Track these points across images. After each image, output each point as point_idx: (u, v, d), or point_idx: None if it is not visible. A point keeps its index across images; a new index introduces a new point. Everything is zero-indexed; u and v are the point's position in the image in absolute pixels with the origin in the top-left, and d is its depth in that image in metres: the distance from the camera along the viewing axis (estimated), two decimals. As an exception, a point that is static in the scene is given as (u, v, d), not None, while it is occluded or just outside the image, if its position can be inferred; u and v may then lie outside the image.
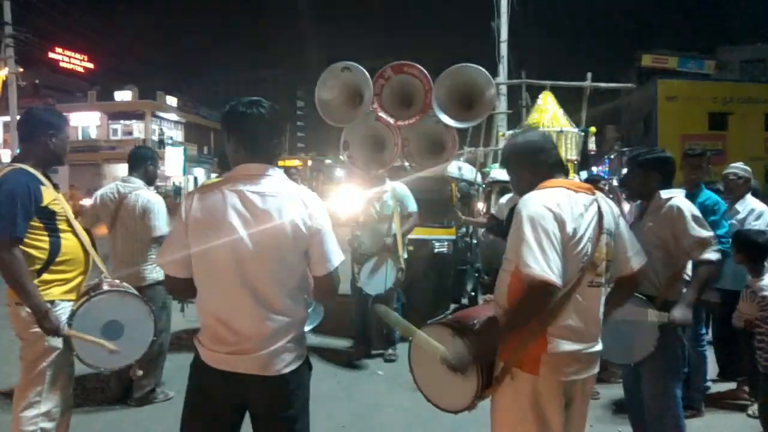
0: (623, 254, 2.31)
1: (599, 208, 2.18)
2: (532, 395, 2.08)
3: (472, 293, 7.22)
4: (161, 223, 4.01)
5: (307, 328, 2.67)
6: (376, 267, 5.37)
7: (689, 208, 3.12)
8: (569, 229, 2.05)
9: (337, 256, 2.12)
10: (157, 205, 4.05)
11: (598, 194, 2.23)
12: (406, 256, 5.54)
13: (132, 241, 4.05)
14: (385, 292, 5.22)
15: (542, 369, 2.06)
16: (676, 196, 3.20)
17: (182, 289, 2.13)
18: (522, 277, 2.00)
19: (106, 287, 3.08)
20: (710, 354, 4.53)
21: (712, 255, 3.07)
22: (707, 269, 3.09)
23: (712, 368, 4.53)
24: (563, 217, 2.05)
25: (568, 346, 2.07)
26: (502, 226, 4.20)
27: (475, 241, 7.51)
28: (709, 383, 4.38)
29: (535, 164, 2.28)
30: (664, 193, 3.21)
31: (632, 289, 2.47)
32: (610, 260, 2.21)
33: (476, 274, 7.31)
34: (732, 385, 4.53)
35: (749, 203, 4.55)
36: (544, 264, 1.95)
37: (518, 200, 2.21)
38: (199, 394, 2.12)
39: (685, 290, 3.15)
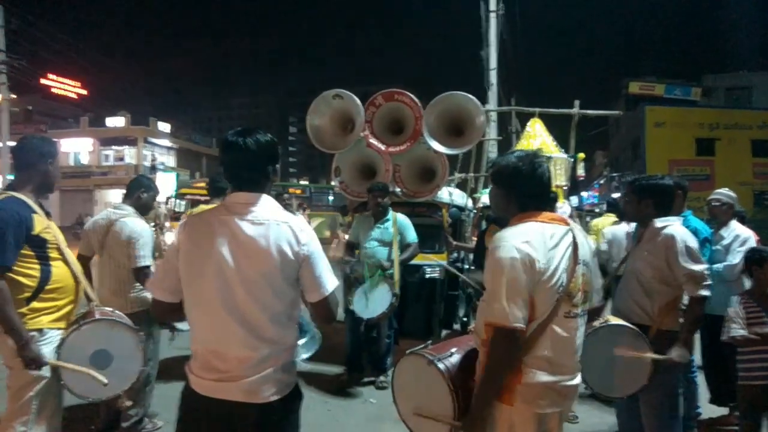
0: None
1: (574, 238, 2.17)
2: (508, 426, 2.07)
3: (464, 319, 7.19)
4: (145, 253, 3.89)
5: (305, 356, 2.66)
6: (369, 291, 5.34)
7: (683, 239, 3.09)
8: (540, 266, 2.04)
9: (330, 282, 2.13)
10: (143, 234, 3.94)
11: (573, 225, 2.22)
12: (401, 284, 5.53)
13: (117, 267, 3.98)
14: (378, 317, 5.19)
15: (517, 400, 2.05)
16: (671, 224, 3.18)
17: (168, 312, 2.18)
18: (487, 323, 2.06)
19: (97, 315, 3.06)
20: (701, 379, 4.54)
21: (704, 292, 3.03)
22: (700, 307, 3.06)
23: (704, 394, 4.51)
24: (532, 255, 2.03)
25: (544, 377, 2.06)
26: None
27: (466, 267, 7.51)
28: (700, 409, 4.37)
29: (522, 194, 2.23)
30: (659, 221, 3.19)
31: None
32: (587, 291, 2.20)
33: (468, 300, 7.30)
34: (724, 411, 4.53)
35: (734, 229, 4.51)
36: (505, 311, 1.99)
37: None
38: (188, 422, 2.11)
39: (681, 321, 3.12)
